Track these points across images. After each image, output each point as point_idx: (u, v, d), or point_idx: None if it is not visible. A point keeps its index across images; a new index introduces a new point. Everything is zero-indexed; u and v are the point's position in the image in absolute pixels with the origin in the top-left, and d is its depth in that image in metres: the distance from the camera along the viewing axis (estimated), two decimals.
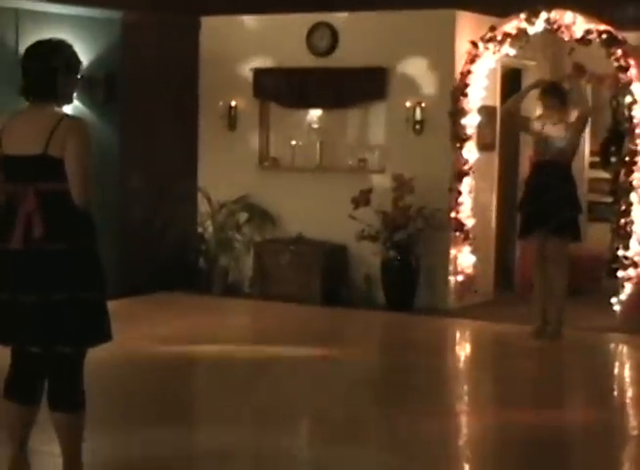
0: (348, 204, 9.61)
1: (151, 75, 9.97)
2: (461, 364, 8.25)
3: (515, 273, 10.68)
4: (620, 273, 9.03)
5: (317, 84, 10.08)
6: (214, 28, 10.57)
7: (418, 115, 9.68)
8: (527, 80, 10.58)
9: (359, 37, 9.95)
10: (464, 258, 9.61)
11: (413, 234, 9.49)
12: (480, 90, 9.57)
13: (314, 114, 10.33)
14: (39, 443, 4.71)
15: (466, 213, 9.58)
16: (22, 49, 8.91)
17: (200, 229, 10.57)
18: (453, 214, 9.54)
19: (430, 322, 9.19)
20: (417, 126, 9.70)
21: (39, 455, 4.76)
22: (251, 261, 10.26)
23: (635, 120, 8.93)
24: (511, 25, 9.28)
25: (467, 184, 9.58)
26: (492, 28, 9.35)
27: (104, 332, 4.35)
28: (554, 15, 9.05)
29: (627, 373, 8.10)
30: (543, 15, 9.08)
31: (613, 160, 10.08)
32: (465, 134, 9.53)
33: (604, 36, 8.93)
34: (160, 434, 5.57)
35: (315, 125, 10.28)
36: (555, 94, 8.42)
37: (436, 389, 7.06)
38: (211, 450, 5.37)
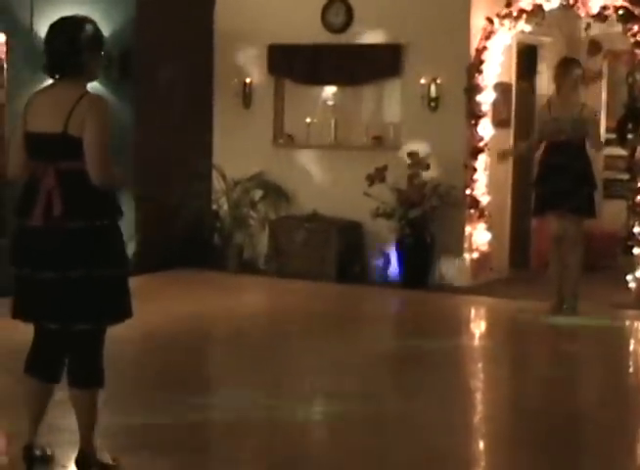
0: (363, 181, 9.60)
1: (165, 53, 9.96)
2: (476, 342, 8.25)
3: (530, 250, 10.67)
4: (636, 250, 9.01)
5: (332, 61, 10.05)
6: (229, 5, 10.54)
7: (433, 91, 9.65)
8: (543, 57, 10.56)
9: (374, 14, 9.90)
10: (479, 236, 9.60)
11: (428, 211, 9.48)
12: (496, 66, 9.54)
13: (329, 90, 10.31)
14: (57, 419, 4.74)
15: (481, 190, 9.57)
16: (36, 28, 9.04)
17: (214, 206, 10.58)
18: (468, 192, 9.53)
19: (445, 299, 9.20)
20: (432, 103, 9.67)
21: (56, 432, 4.79)
22: (266, 239, 10.27)
23: None
24: (527, 1, 9.24)
25: (482, 161, 9.56)
26: (508, 4, 9.31)
27: (123, 309, 4.37)
28: None
29: None
30: None
31: (629, 137, 10.02)
32: (480, 111, 9.50)
33: (620, 12, 8.87)
34: (176, 407, 5.60)
35: (330, 102, 10.26)
36: (567, 65, 8.37)
37: (452, 367, 7.07)
38: (226, 422, 5.40)
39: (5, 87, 9.02)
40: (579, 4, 9.00)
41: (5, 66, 9.04)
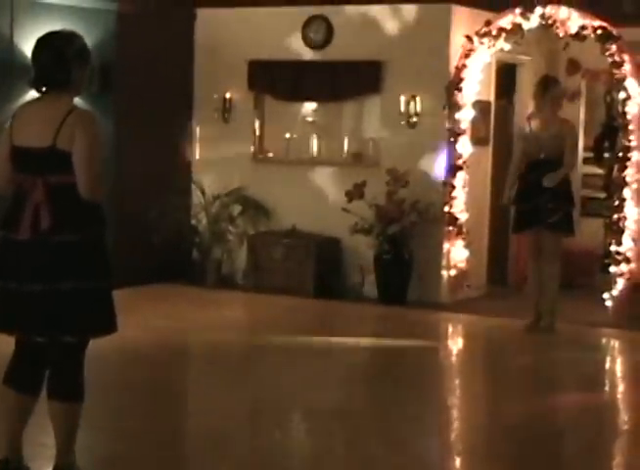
0: (342, 197, 9.63)
1: (146, 67, 9.96)
2: (453, 358, 8.27)
3: (508, 267, 10.70)
4: (613, 268, 9.06)
5: (312, 77, 10.08)
6: (210, 20, 10.57)
7: (412, 109, 9.69)
8: (522, 75, 10.62)
9: (355, 31, 9.95)
10: (457, 253, 9.63)
11: (406, 228, 9.50)
12: (475, 85, 9.58)
13: (309, 106, 10.33)
14: (33, 434, 4.71)
15: (459, 208, 9.60)
16: (16, 40, 9.02)
17: (193, 221, 10.57)
18: (447, 209, 9.56)
19: (422, 316, 9.21)
20: (411, 120, 9.71)
21: (33, 446, 4.77)
22: (245, 254, 10.26)
23: (629, 116, 8.95)
24: (506, 20, 9.29)
25: (461, 178, 9.59)
26: (487, 23, 9.37)
27: (109, 323, 4.37)
28: (549, 10, 9.07)
29: (618, 368, 8.13)
30: (538, 10, 9.10)
31: (606, 155, 10.10)
32: (459, 129, 9.55)
33: (599, 32, 8.94)
34: (153, 423, 5.59)
35: (310, 118, 10.28)
36: (546, 84, 8.43)
37: (428, 383, 7.08)
38: (204, 439, 5.38)
39: None
40: (558, 24, 9.06)
41: None
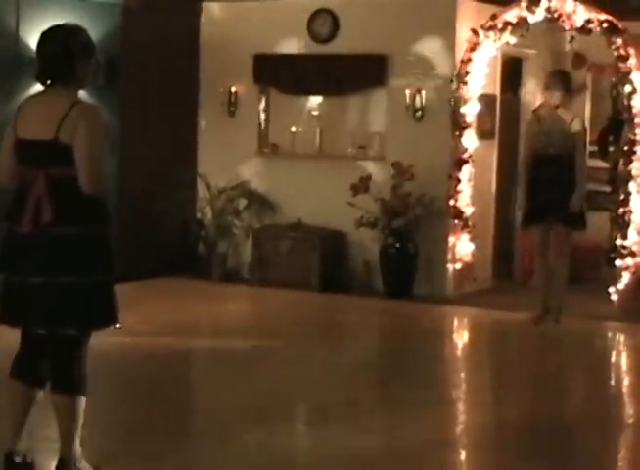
0: (348, 191, 9.63)
1: (151, 60, 9.96)
2: (459, 352, 8.27)
3: (514, 261, 10.70)
4: (619, 262, 9.05)
5: (317, 71, 10.07)
6: (215, 14, 10.57)
7: (418, 102, 9.68)
8: (528, 69, 10.61)
9: (360, 24, 9.94)
10: (462, 246, 9.62)
11: (412, 221, 9.50)
12: (481, 78, 9.57)
13: (314, 100, 10.33)
14: (37, 427, 4.72)
15: (465, 201, 9.59)
16: (22, 34, 9.03)
17: (199, 215, 10.58)
18: (452, 202, 9.56)
19: (428, 310, 9.21)
20: (417, 114, 9.70)
21: (37, 439, 4.78)
22: (250, 247, 10.27)
23: (635, 110, 8.95)
24: (512, 14, 9.28)
25: (466, 172, 9.58)
26: (493, 17, 9.35)
27: (110, 315, 4.38)
28: (554, 3, 9.06)
29: (624, 361, 8.12)
30: (544, 3, 9.08)
31: (611, 149, 10.07)
32: (465, 122, 9.54)
33: (604, 25, 8.93)
34: (156, 417, 5.59)
35: (315, 112, 10.27)
36: (559, 76, 8.42)
37: (434, 376, 7.08)
38: (208, 433, 5.39)
39: None
40: (564, 17, 9.05)
41: None
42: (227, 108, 10.53)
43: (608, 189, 10.04)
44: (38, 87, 4.44)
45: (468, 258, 9.65)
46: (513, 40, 9.43)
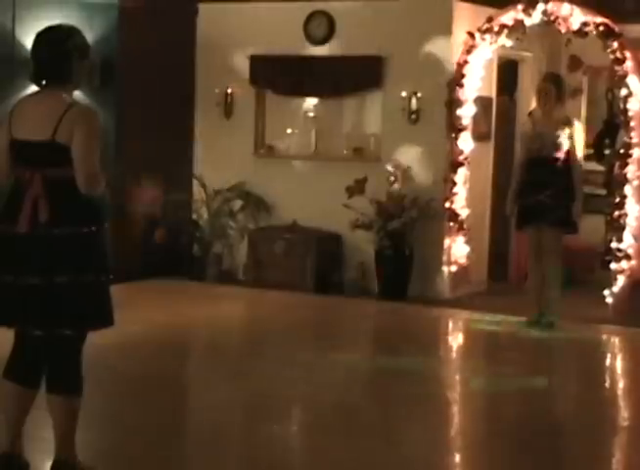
0: (343, 192, 9.63)
1: (147, 61, 9.96)
2: (454, 354, 8.27)
3: (509, 263, 10.71)
4: (613, 265, 9.06)
5: (314, 72, 10.08)
6: (212, 15, 10.56)
7: (414, 104, 9.69)
8: (524, 71, 10.62)
9: (356, 26, 9.94)
10: (458, 249, 9.63)
11: (407, 224, 9.50)
12: (477, 81, 9.58)
13: (310, 102, 10.33)
14: (33, 428, 4.72)
15: (460, 204, 9.60)
16: (18, 34, 9.02)
17: (194, 216, 10.57)
18: (448, 204, 9.56)
19: (423, 312, 9.21)
20: (413, 116, 9.71)
21: (32, 440, 4.77)
22: (246, 249, 10.27)
23: (630, 113, 8.95)
24: (508, 16, 9.29)
25: (462, 174, 9.59)
26: (489, 19, 9.36)
27: (106, 316, 4.38)
28: (551, 6, 9.07)
29: (618, 364, 8.13)
30: (540, 6, 9.09)
31: (607, 152, 10.08)
32: (460, 125, 9.54)
33: (600, 28, 8.94)
34: (152, 418, 5.59)
35: (311, 114, 10.27)
36: (551, 80, 8.43)
37: (429, 377, 7.08)
38: (204, 433, 5.39)
39: None
40: (560, 20, 9.06)
41: None
42: (223, 109, 10.52)
43: (603, 192, 10.06)
44: (33, 88, 4.44)
45: (463, 261, 9.65)
46: (509, 43, 9.44)
